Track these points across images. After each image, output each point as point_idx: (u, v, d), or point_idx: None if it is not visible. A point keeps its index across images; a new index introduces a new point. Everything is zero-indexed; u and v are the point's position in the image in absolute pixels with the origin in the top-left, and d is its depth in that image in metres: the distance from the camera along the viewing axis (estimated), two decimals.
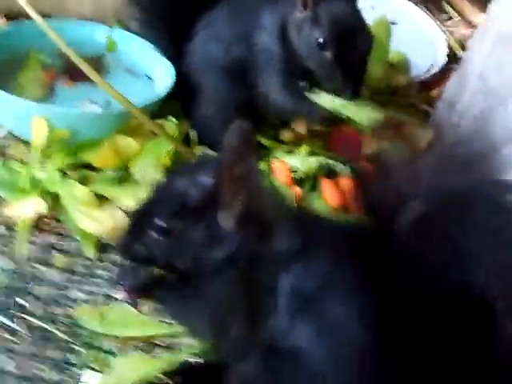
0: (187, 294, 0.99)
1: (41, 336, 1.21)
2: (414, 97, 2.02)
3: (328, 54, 1.39)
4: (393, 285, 0.91)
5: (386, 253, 0.94)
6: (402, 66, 2.04)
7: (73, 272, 1.33)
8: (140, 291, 1.08)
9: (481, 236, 0.92)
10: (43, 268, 1.32)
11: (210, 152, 1.53)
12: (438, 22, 2.43)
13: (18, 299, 1.26)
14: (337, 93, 1.42)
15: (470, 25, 2.49)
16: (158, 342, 1.23)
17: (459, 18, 2.56)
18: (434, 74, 2.12)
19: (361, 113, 1.47)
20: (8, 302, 1.25)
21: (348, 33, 1.39)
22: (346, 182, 1.52)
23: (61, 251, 1.37)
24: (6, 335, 1.19)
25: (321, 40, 1.38)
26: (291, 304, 0.92)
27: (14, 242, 1.35)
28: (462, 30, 2.48)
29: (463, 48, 2.28)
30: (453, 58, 2.27)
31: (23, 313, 1.23)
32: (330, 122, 1.51)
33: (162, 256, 0.97)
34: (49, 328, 1.22)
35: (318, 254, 0.94)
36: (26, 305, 1.25)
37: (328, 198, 1.48)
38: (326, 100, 1.44)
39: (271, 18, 1.49)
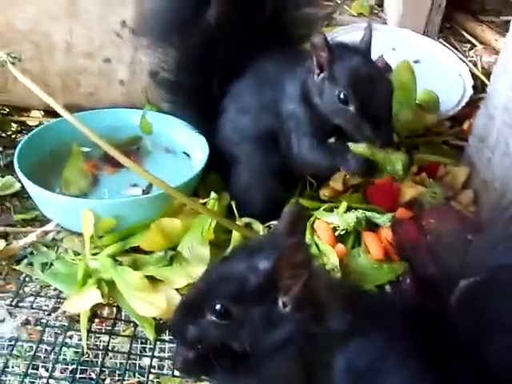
0: (240, 373, 1.02)
1: None
2: (445, 134, 2.04)
3: (351, 108, 1.43)
4: (445, 358, 0.94)
5: (436, 328, 0.96)
6: (430, 104, 2.05)
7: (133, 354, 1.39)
8: (191, 371, 1.11)
9: None
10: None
11: (254, 222, 1.59)
12: (460, 54, 2.45)
13: None
14: (369, 143, 1.46)
15: (495, 51, 2.49)
16: None
17: (482, 45, 2.57)
18: (463, 107, 2.14)
19: (395, 159, 1.50)
20: None
21: (366, 83, 1.43)
22: (387, 233, 1.54)
23: (119, 336, 1.43)
24: None
25: (342, 96, 1.43)
26: (347, 380, 0.96)
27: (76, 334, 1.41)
28: (487, 58, 2.49)
29: (490, 75, 2.30)
30: (481, 88, 2.28)
31: None
32: (366, 169, 1.52)
33: (218, 338, 0.99)
34: None
35: (370, 332, 0.97)
36: None
37: (372, 251, 1.50)
38: (359, 149, 1.48)
39: (293, 85, 1.54)
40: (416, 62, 2.30)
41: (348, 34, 2.38)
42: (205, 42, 1.64)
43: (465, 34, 2.65)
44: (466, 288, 0.97)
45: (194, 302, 1.01)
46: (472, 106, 2.13)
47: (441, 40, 2.54)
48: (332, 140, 1.53)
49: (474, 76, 2.31)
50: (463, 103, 2.16)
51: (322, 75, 1.47)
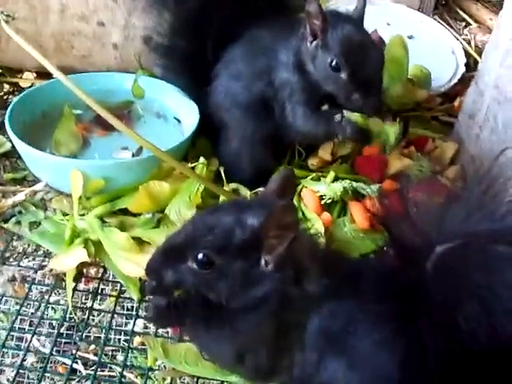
0: (212, 324, 1.04)
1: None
2: (436, 110, 2.05)
3: (343, 75, 1.45)
4: (418, 324, 0.96)
5: (411, 294, 0.98)
6: (422, 80, 2.06)
7: (118, 314, 1.41)
8: (163, 319, 1.13)
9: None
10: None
11: (241, 188, 1.60)
12: (455, 32, 2.45)
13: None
14: (359, 111, 1.48)
15: (489, 30, 2.50)
16: None
17: (477, 24, 2.57)
18: (455, 84, 2.15)
19: (388, 129, 1.51)
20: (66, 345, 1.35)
21: (358, 51, 1.45)
22: (373, 203, 1.55)
23: (105, 295, 1.45)
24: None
25: (334, 63, 1.44)
26: (319, 342, 0.99)
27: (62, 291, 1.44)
28: (481, 36, 2.49)
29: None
30: (473, 66, 2.29)
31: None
32: (361, 136, 1.54)
33: (195, 285, 1.01)
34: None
35: (345, 297, 1.00)
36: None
37: (357, 221, 1.52)
38: (354, 117, 1.49)
39: (287, 52, 1.55)
40: (410, 37, 2.30)
41: (348, 5, 2.37)
42: (200, 6, 1.64)
43: (460, 11, 2.65)
44: (441, 254, 0.98)
45: (177, 246, 1.02)
46: (464, 83, 2.13)
47: (435, 17, 2.54)
48: (325, 107, 1.54)
49: (467, 54, 2.31)
50: (455, 80, 2.16)
51: (315, 43, 1.48)
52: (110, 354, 1.35)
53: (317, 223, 1.47)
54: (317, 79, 1.50)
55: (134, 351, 1.35)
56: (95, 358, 1.33)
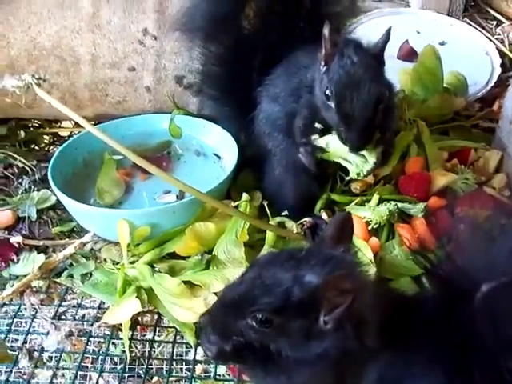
0: (271, 372, 1.03)
1: None
2: (476, 117, 2.02)
3: (332, 104, 1.42)
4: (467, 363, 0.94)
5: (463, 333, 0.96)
6: (459, 87, 2.03)
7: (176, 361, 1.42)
8: (225, 360, 1.13)
9: None
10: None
11: (287, 221, 1.60)
12: (487, 32, 2.41)
13: None
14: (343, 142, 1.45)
15: None
16: None
17: (509, 22, 2.52)
18: (492, 87, 2.11)
19: (359, 161, 1.48)
20: None
21: (349, 85, 1.40)
22: (420, 222, 1.54)
23: (161, 342, 1.46)
24: None
25: (327, 91, 1.43)
26: None
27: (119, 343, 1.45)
28: None
29: None
30: (509, 65, 2.25)
31: None
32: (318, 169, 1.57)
33: (255, 340, 0.99)
34: None
35: (401, 344, 0.98)
36: None
37: (406, 243, 1.50)
38: (333, 142, 1.49)
39: (312, 74, 1.53)
40: (442, 43, 2.28)
41: (372, 20, 2.36)
42: (245, 35, 1.66)
43: (490, 10, 2.59)
44: (488, 293, 0.95)
45: (236, 302, 1.00)
46: (501, 85, 2.11)
47: (466, 19, 2.51)
48: (319, 126, 1.51)
49: (501, 54, 2.27)
50: (492, 83, 2.12)
51: (324, 67, 1.46)
52: None
53: (366, 251, 1.45)
54: (318, 102, 1.48)
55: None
56: None
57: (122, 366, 1.40)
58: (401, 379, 0.98)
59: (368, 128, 1.42)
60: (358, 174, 1.49)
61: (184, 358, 1.42)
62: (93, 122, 1.76)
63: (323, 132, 1.50)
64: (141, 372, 1.39)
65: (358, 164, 1.48)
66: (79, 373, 1.39)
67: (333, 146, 1.49)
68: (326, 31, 1.42)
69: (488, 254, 1.01)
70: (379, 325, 0.98)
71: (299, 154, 1.55)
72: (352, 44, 1.46)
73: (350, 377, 1.00)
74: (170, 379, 1.38)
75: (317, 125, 1.50)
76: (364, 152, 1.46)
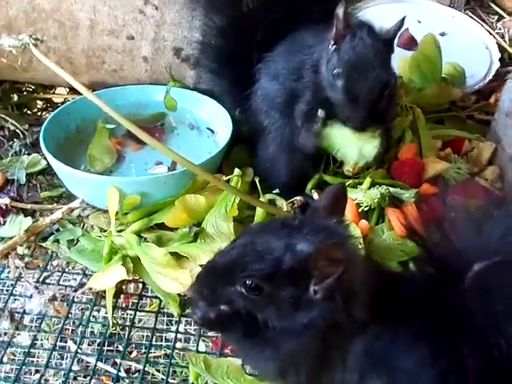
0: (257, 341, 1.02)
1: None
2: (471, 108, 2.02)
3: (339, 83, 1.42)
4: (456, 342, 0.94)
5: (451, 311, 0.96)
6: (456, 78, 2.03)
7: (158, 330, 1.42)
8: (210, 327, 1.14)
9: None
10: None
11: (277, 199, 1.59)
12: (488, 26, 2.41)
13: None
14: (346, 122, 1.46)
15: None
16: None
17: (510, 17, 2.52)
18: (490, 80, 2.11)
19: (355, 148, 1.48)
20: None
21: (359, 66, 1.41)
22: (411, 208, 1.53)
23: (144, 311, 1.45)
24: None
25: (335, 70, 1.43)
26: (361, 363, 0.98)
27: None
28: None
29: None
30: (508, 60, 2.25)
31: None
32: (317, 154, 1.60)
33: (243, 307, 0.99)
34: None
35: (388, 318, 0.98)
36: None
37: (395, 228, 1.50)
38: (334, 129, 1.48)
39: (318, 54, 1.52)
40: (442, 34, 2.27)
41: (374, 6, 2.35)
42: (250, 9, 1.64)
43: (492, 5, 2.58)
44: (479, 272, 0.95)
45: (225, 268, 1.00)
46: (499, 79, 2.10)
47: (467, 11, 2.50)
48: (321, 114, 1.49)
49: (501, 48, 2.27)
50: (490, 77, 2.12)
51: (334, 46, 1.45)
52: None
53: (355, 232, 1.45)
54: (323, 82, 1.48)
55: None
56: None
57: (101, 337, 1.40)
58: (386, 353, 0.97)
59: (372, 110, 1.42)
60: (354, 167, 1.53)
61: (166, 328, 1.42)
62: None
63: (324, 121, 1.49)
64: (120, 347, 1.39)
65: (355, 158, 1.48)
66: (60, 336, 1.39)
67: (334, 134, 1.49)
68: (340, 11, 1.41)
69: (480, 236, 1.00)
70: (368, 298, 0.97)
71: (300, 137, 1.54)
72: (365, 27, 1.45)
73: (336, 349, 0.99)
74: (152, 350, 1.38)
75: (320, 112, 1.49)
76: (367, 135, 1.46)
